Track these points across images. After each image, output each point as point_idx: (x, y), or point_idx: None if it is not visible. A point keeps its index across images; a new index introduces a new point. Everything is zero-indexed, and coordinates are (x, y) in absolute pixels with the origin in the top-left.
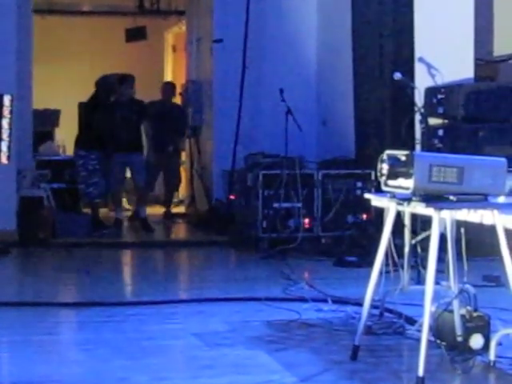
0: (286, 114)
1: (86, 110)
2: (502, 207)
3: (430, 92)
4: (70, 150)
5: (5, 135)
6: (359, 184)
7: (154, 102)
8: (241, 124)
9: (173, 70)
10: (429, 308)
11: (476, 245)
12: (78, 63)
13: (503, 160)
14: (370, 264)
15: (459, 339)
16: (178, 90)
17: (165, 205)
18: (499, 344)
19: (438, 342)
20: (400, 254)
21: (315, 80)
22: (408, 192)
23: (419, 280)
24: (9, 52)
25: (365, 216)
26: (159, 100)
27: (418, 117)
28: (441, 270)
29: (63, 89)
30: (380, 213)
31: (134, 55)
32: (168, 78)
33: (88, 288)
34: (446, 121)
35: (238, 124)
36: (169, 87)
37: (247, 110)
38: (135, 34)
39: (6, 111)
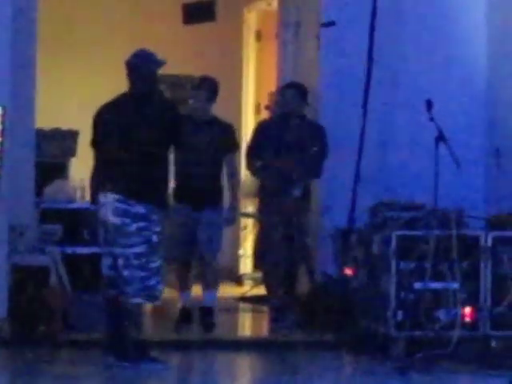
0: (435, 140)
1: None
2: None
3: None
4: None
5: None
6: None
7: (267, 120)
8: (364, 156)
9: (256, 70)
10: None
11: None
12: (107, 57)
13: None
14: None
15: None
16: (264, 101)
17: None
18: None
19: None
20: None
21: (484, 87)
22: None
23: None
24: None
25: None
26: (275, 117)
27: None
28: None
29: (84, 98)
30: None
31: (195, 45)
32: (249, 80)
33: None
34: None
35: (360, 155)
36: (294, 93)
37: (374, 132)
38: (198, 13)
39: None
